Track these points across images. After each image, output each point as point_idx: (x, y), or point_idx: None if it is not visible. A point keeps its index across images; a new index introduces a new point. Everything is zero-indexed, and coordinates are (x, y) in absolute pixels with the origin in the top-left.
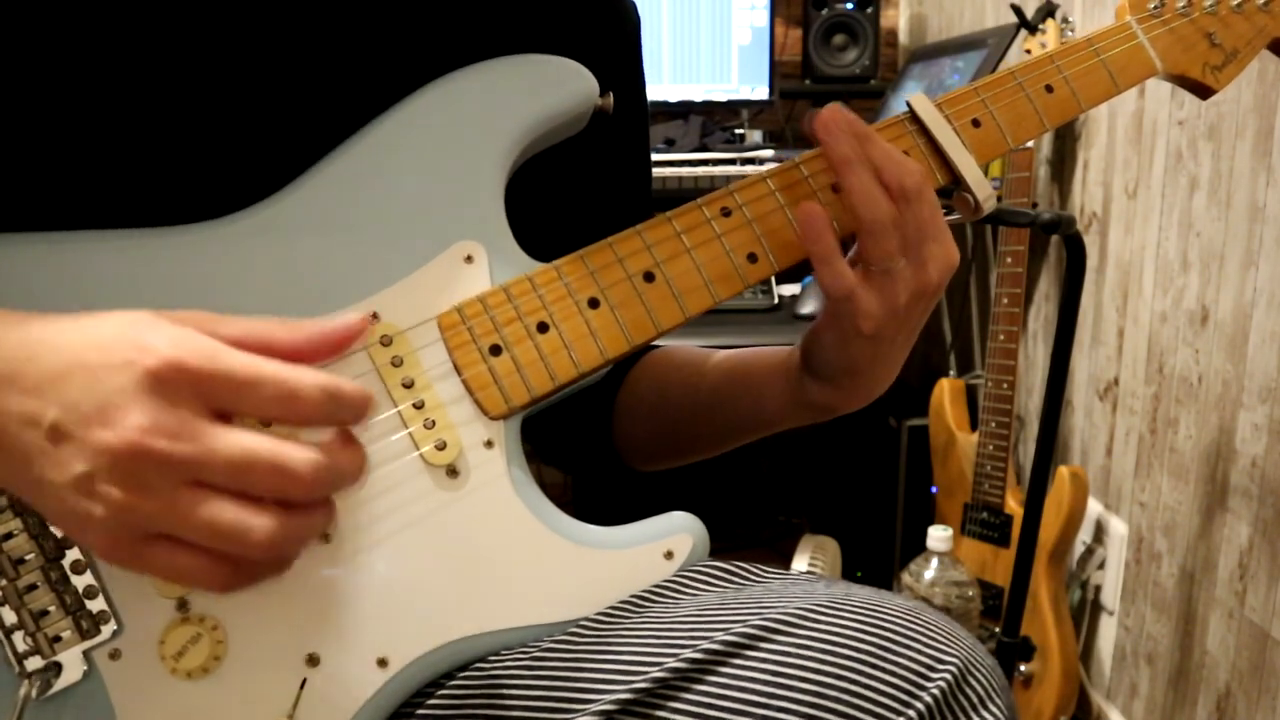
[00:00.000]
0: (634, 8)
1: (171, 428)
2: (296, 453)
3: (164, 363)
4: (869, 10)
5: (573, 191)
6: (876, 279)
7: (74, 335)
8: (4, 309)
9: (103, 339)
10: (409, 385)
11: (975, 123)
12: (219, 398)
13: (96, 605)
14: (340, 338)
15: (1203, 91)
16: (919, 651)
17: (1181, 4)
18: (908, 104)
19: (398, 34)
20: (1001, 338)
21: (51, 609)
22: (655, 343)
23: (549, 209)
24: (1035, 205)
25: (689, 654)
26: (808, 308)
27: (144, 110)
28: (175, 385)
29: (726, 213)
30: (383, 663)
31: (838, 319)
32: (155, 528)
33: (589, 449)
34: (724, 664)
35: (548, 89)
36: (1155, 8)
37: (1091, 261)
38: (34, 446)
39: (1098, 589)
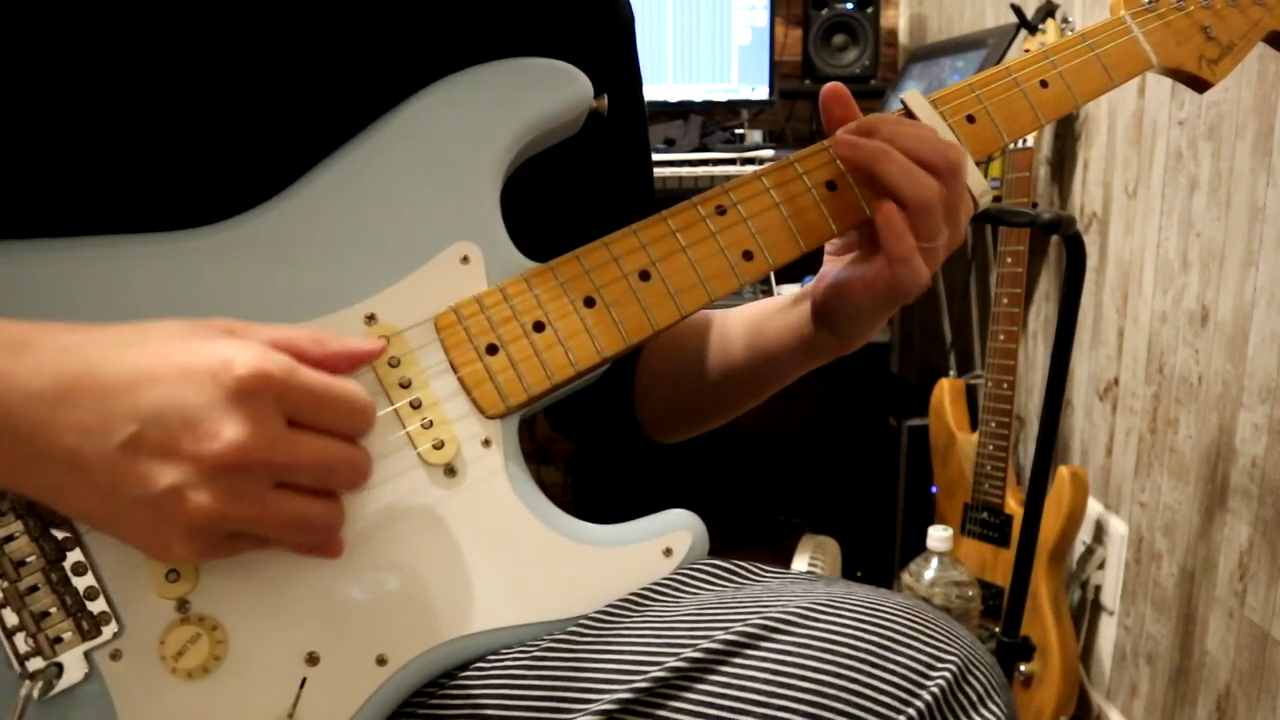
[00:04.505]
0: (628, 6)
1: (265, 438)
2: (360, 452)
3: (252, 373)
4: (869, 10)
5: (571, 193)
6: (923, 252)
7: (133, 350)
8: (29, 321)
9: (172, 353)
10: (406, 385)
11: (970, 119)
12: (296, 408)
13: (97, 606)
14: (359, 355)
15: (1199, 85)
16: (919, 650)
17: None
18: (902, 101)
19: (394, 38)
20: (1001, 338)
21: (53, 610)
22: None
23: (547, 211)
24: (1035, 205)
25: (690, 653)
26: None
27: (142, 115)
28: (262, 397)
29: (721, 211)
30: (382, 661)
31: (890, 296)
32: (242, 529)
33: (611, 423)
34: (725, 663)
35: (542, 92)
36: (1150, 2)
37: (1091, 261)
38: (100, 460)
39: (1098, 589)
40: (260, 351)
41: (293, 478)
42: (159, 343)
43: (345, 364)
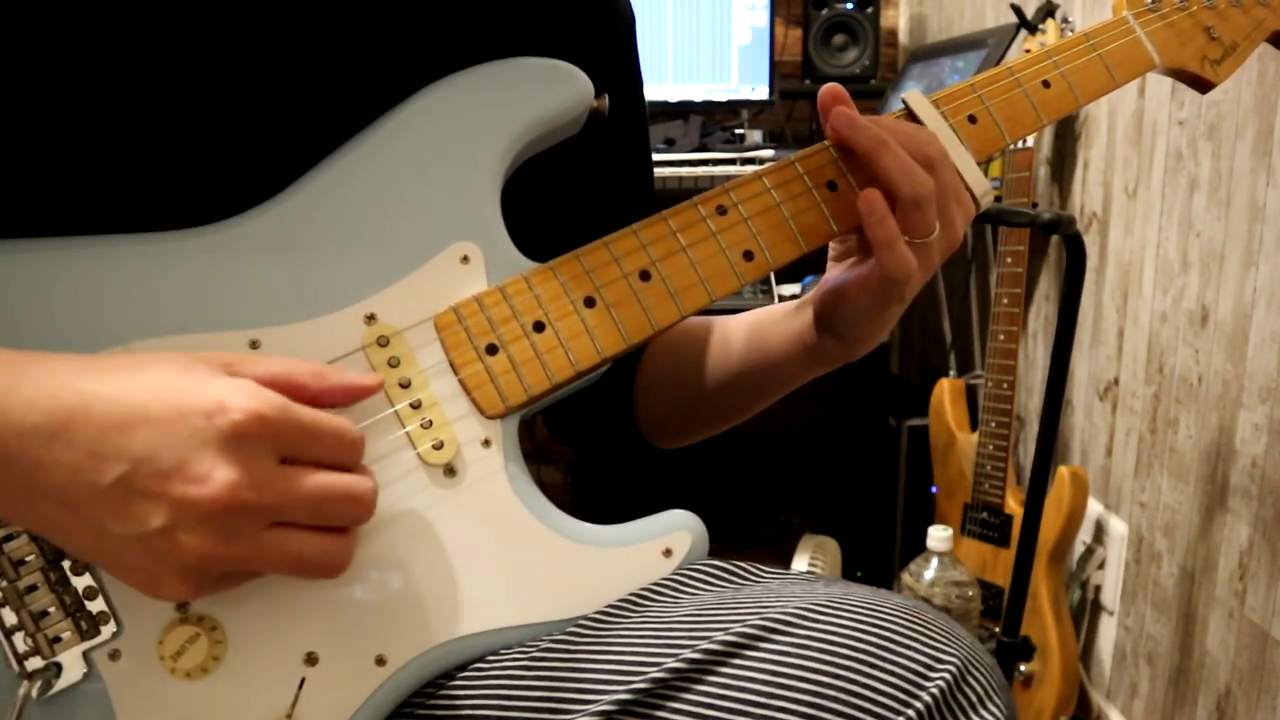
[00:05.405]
0: (628, 6)
1: (257, 479)
2: (360, 483)
3: (247, 416)
4: (869, 10)
5: (571, 193)
6: (916, 250)
7: (128, 386)
8: (30, 351)
9: (165, 392)
10: (406, 385)
11: (971, 119)
12: (290, 446)
13: (96, 606)
14: (359, 390)
15: (1202, 85)
16: (918, 650)
17: None
18: (904, 101)
19: (394, 38)
20: (1001, 338)
21: (51, 610)
22: None
23: (549, 211)
24: (1035, 205)
25: (688, 654)
26: None
27: (145, 114)
28: (255, 438)
29: (722, 211)
30: (381, 661)
31: (883, 291)
32: (237, 568)
33: (611, 429)
34: (723, 664)
35: (543, 92)
36: (1152, 2)
37: (1091, 261)
38: (91, 498)
39: (1098, 589)
40: (253, 391)
41: (288, 516)
42: (154, 379)
43: (344, 397)
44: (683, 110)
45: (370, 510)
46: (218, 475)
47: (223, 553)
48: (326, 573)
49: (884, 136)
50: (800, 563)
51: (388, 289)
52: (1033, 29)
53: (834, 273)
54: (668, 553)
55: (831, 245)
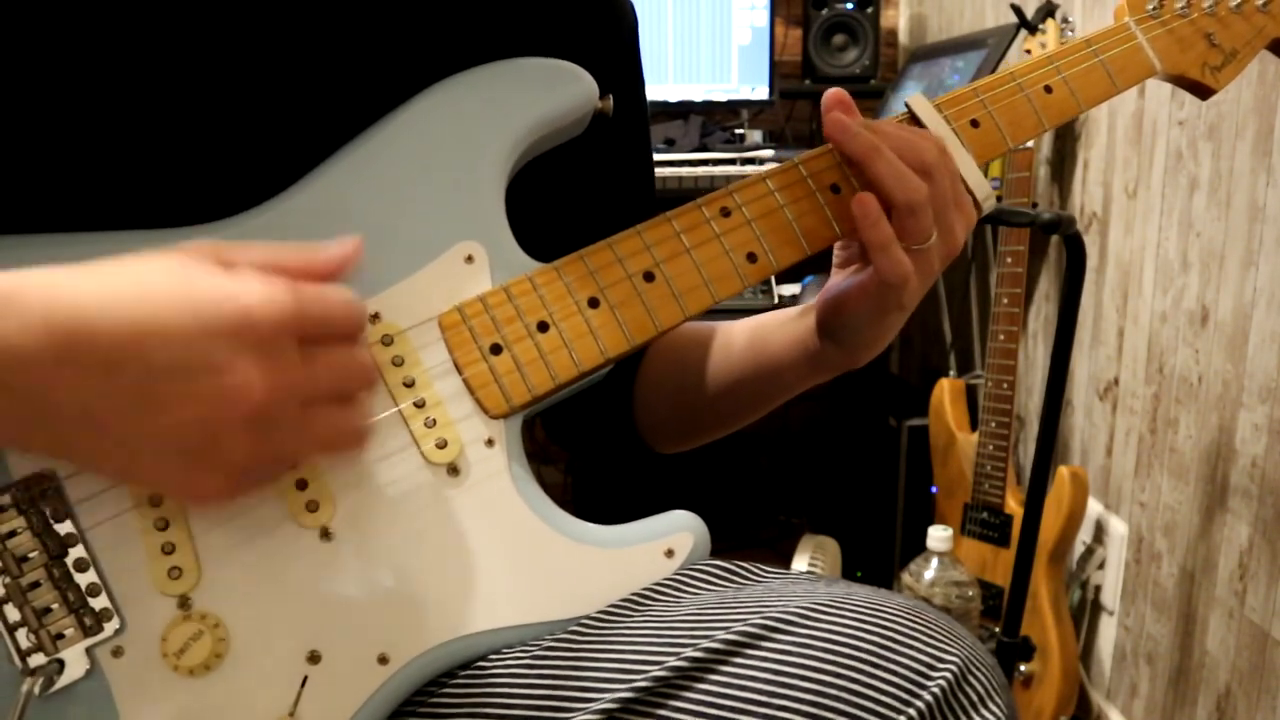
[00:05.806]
0: (631, 8)
1: (287, 369)
2: (364, 353)
3: (267, 313)
4: (869, 10)
5: (574, 193)
6: (914, 256)
7: (128, 294)
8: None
9: (171, 296)
10: (410, 384)
11: (974, 123)
12: (303, 330)
13: (99, 603)
14: (339, 260)
15: (1202, 92)
16: (920, 650)
17: (1180, 5)
18: (906, 105)
19: (398, 37)
20: (1001, 338)
21: (54, 606)
22: None
23: (552, 211)
24: (1035, 205)
25: (690, 652)
26: None
27: (145, 113)
28: (278, 330)
29: (726, 213)
30: (383, 660)
31: (881, 297)
32: (280, 457)
33: (610, 433)
34: (725, 662)
35: (547, 92)
36: (1153, 9)
37: (1091, 261)
38: (117, 415)
39: (1098, 589)
40: (262, 285)
41: (314, 393)
42: (152, 284)
43: (332, 272)
44: (683, 110)
45: (375, 376)
46: (255, 377)
47: (268, 449)
48: (357, 442)
49: (876, 143)
50: (800, 563)
51: (391, 288)
52: (1033, 29)
53: (837, 279)
54: (670, 553)
55: (836, 251)
